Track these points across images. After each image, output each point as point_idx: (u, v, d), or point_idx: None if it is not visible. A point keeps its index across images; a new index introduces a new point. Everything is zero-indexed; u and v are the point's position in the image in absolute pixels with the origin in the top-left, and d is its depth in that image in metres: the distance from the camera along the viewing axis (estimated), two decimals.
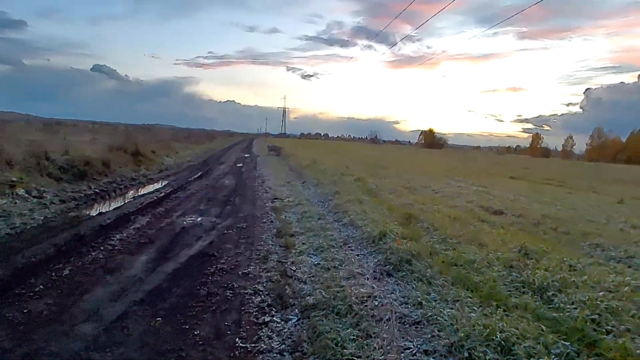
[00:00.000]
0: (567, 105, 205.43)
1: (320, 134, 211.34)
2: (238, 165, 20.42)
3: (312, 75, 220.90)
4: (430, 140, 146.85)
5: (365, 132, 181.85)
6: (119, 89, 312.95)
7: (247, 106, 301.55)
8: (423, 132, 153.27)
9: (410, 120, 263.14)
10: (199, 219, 7.46)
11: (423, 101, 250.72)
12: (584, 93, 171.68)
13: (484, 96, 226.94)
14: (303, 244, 5.85)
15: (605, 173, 32.81)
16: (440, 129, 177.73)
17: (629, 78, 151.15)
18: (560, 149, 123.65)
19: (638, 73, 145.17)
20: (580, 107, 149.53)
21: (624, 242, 6.44)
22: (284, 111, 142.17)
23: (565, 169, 35.14)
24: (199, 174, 15.28)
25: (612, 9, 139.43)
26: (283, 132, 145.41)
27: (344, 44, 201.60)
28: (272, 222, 7.44)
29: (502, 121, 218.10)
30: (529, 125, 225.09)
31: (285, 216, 7.87)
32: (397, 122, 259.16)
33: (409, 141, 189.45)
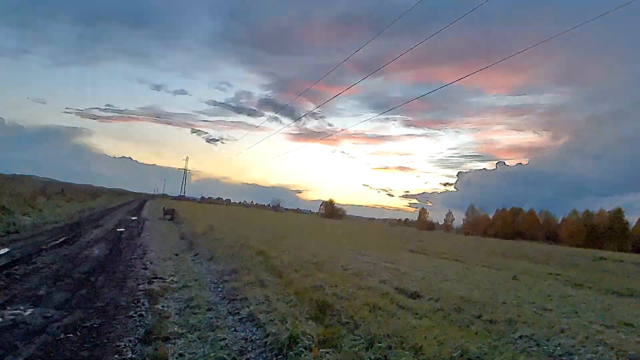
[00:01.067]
0: (445, 185, 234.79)
1: (222, 198, 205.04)
2: (119, 230, 17.27)
3: (217, 140, 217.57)
4: (331, 210, 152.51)
5: (268, 199, 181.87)
6: None
7: (145, 165, 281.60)
8: (324, 202, 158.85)
9: (312, 190, 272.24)
10: (28, 312, 5.12)
11: (324, 173, 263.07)
12: (457, 175, 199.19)
13: (377, 173, 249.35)
14: (180, 355, 4.08)
15: (483, 246, 36.05)
16: (339, 199, 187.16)
17: (489, 165, 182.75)
18: (441, 222, 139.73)
19: (496, 161, 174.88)
20: (455, 187, 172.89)
21: (549, 331, 5.93)
22: (185, 173, 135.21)
23: (452, 242, 37.86)
24: (62, 239, 12.21)
25: (474, 109, 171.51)
26: (182, 194, 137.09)
27: (251, 113, 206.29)
28: (142, 315, 5.44)
29: (392, 196, 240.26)
30: (415, 201, 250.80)
31: (163, 305, 5.93)
32: (299, 191, 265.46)
33: (310, 210, 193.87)
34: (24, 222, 14.94)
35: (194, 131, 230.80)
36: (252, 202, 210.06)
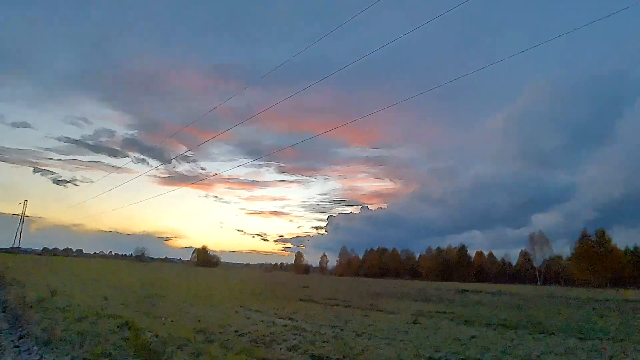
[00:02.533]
0: (316, 228, 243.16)
1: (71, 249, 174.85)
2: None
3: (68, 181, 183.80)
4: (204, 258, 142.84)
5: (131, 249, 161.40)
6: None
7: None
8: (196, 250, 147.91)
9: (182, 237, 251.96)
10: None
11: (195, 219, 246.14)
12: (327, 219, 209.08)
13: (252, 218, 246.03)
14: None
15: (364, 288, 36.70)
16: (212, 246, 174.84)
17: (355, 209, 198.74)
18: (315, 264, 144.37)
19: (360, 206, 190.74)
20: (325, 230, 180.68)
21: None
22: (22, 219, 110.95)
23: (335, 286, 37.62)
24: None
25: (340, 158, 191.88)
26: (16, 245, 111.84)
27: (113, 153, 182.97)
28: None
29: (267, 240, 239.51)
30: (289, 245, 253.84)
31: None
32: (168, 239, 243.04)
33: (180, 258, 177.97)
34: None
35: (37, 170, 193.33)
36: (110, 252, 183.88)
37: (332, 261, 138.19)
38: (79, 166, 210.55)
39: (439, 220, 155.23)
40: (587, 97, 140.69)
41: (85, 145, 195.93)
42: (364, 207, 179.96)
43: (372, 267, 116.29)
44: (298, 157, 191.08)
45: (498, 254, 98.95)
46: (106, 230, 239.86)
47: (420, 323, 12.34)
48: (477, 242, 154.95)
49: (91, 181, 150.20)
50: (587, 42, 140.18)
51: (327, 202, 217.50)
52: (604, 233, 64.64)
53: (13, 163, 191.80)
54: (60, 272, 31.32)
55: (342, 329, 10.22)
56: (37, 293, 13.74)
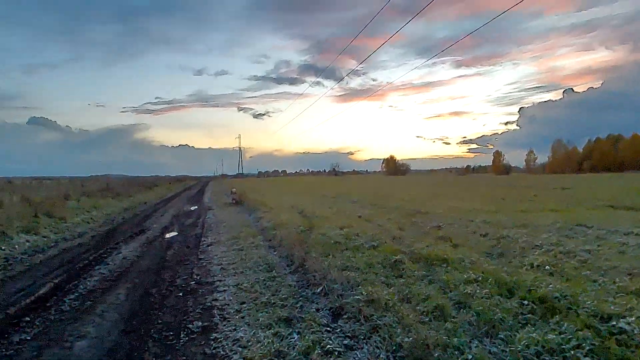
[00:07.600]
0: (505, 124, 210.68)
1: (278, 170, 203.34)
2: (168, 236, 11.13)
3: (263, 114, 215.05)
4: (393, 167, 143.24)
5: (322, 165, 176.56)
6: (61, 140, 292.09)
7: (201, 149, 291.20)
8: (385, 160, 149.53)
9: (363, 150, 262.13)
10: None
11: (373, 131, 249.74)
12: (518, 112, 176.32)
13: (430, 122, 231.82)
14: None
15: (620, 184, 26.37)
16: (394, 155, 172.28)
17: (555, 95, 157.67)
18: (514, 165, 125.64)
19: (562, 90, 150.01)
20: (517, 125, 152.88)
21: None
22: (240, 151, 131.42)
23: (597, 186, 28.48)
24: (53, 282, 6.10)
25: (534, 34, 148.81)
26: (240, 172, 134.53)
27: (292, 81, 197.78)
28: None
29: (449, 144, 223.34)
30: (474, 145, 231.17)
31: None
32: (351, 153, 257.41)
33: (366, 170, 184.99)
34: (18, 246, 9.19)
35: (240, 109, 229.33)
36: (307, 170, 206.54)
37: (522, 159, 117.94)
38: (269, 99, 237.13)
39: None
40: None
41: (269, 79, 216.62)
42: (568, 91, 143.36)
43: (601, 160, 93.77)
44: (477, 45, 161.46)
45: None
46: (300, 152, 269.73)
47: None
48: None
49: (280, 111, 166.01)
50: None
51: (517, 92, 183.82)
52: None
53: (223, 107, 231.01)
54: (287, 190, 32.63)
55: None
56: (290, 218, 11.62)
